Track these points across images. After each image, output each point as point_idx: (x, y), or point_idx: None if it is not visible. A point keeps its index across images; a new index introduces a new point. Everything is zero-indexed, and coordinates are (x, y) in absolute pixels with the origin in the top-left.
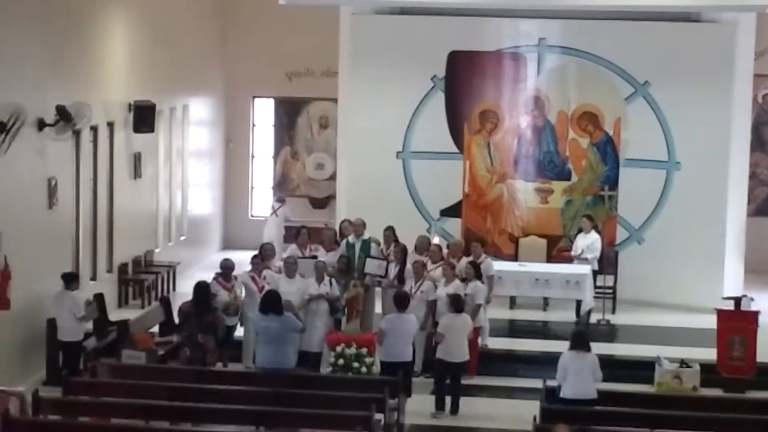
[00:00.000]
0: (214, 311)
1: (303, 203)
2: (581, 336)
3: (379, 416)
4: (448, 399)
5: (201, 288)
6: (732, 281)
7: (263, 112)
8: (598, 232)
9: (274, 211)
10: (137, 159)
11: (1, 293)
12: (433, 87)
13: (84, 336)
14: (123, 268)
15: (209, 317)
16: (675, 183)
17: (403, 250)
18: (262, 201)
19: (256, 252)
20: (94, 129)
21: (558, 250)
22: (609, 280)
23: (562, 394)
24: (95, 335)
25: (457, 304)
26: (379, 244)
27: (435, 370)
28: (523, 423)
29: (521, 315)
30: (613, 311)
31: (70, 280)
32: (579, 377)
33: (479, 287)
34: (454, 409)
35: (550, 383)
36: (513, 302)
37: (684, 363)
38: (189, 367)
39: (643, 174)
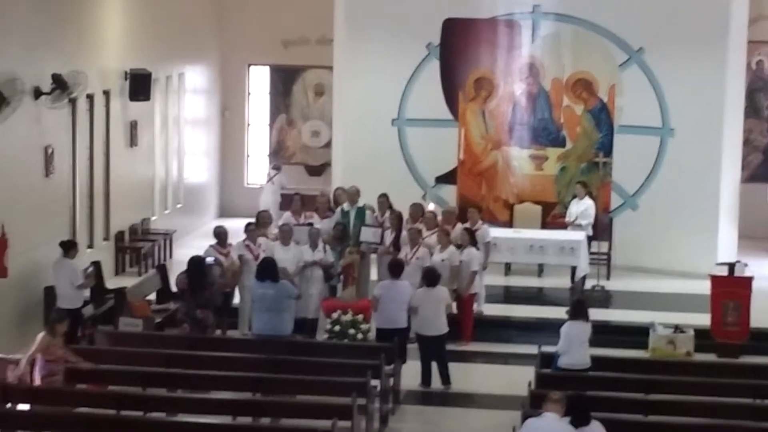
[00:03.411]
0: (210, 286)
1: (299, 171)
2: (582, 305)
3: (375, 382)
4: (436, 373)
5: (195, 263)
6: (726, 247)
7: (259, 80)
8: (593, 198)
9: (270, 179)
10: (133, 127)
11: None
12: (428, 54)
13: (83, 303)
14: (120, 236)
15: (206, 292)
16: (669, 149)
17: (399, 217)
18: (257, 169)
19: (251, 220)
20: (90, 97)
21: (552, 216)
22: (603, 246)
23: (560, 363)
24: (92, 303)
25: (430, 278)
26: (373, 211)
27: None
28: (518, 389)
29: (516, 281)
30: (608, 277)
31: (69, 248)
32: (579, 347)
33: (474, 254)
34: (445, 381)
35: (546, 349)
36: (508, 269)
37: (678, 328)
38: (183, 334)
39: (637, 140)
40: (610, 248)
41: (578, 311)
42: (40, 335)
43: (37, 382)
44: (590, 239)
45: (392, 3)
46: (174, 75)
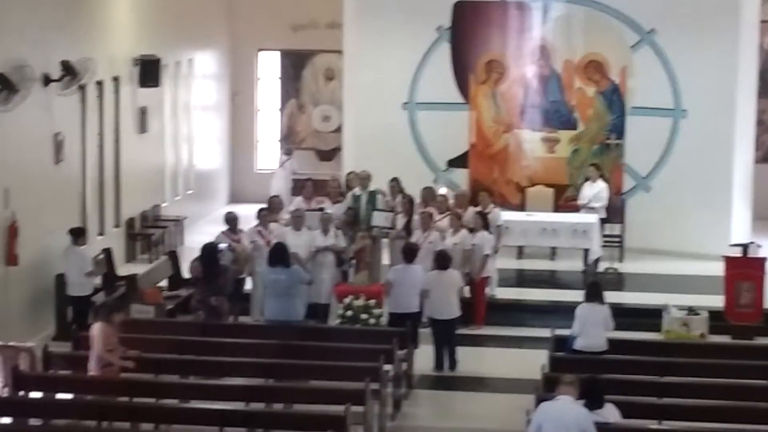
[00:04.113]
0: (224, 272)
1: (309, 156)
2: (597, 287)
3: (387, 367)
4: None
5: (209, 250)
6: (739, 228)
7: (268, 65)
8: (605, 180)
9: (282, 164)
10: (143, 113)
11: (9, 249)
12: (438, 37)
13: (93, 291)
14: (130, 222)
15: (220, 279)
16: (682, 131)
17: (410, 202)
18: (268, 154)
19: (263, 205)
20: (99, 84)
21: (565, 199)
22: (616, 229)
23: (575, 346)
24: (104, 290)
25: (442, 261)
26: (385, 195)
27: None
28: (532, 372)
29: (529, 264)
30: (621, 259)
31: (78, 235)
32: (594, 329)
33: (486, 238)
34: (452, 365)
35: (559, 332)
36: (520, 252)
37: (692, 310)
38: (197, 321)
39: (649, 122)
40: (622, 230)
41: (593, 293)
42: (97, 326)
43: (93, 372)
44: (603, 222)
45: None
46: (183, 61)
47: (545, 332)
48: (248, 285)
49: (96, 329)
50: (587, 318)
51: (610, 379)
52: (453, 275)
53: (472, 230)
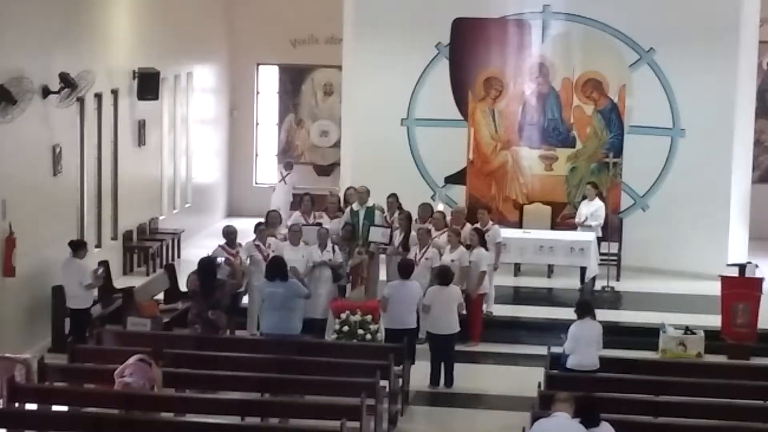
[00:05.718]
0: (221, 286)
1: (307, 170)
2: (587, 304)
3: (383, 383)
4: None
5: (206, 264)
6: (736, 248)
7: (267, 80)
8: (603, 199)
9: (283, 178)
10: (141, 126)
11: (6, 261)
12: (437, 54)
13: (92, 303)
14: (128, 235)
15: (217, 293)
16: (680, 150)
17: (408, 218)
18: (266, 168)
19: (260, 219)
20: (98, 96)
21: (562, 217)
22: (613, 247)
23: (568, 364)
24: (100, 302)
25: (443, 276)
26: (383, 211)
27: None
28: (528, 390)
29: (526, 282)
30: (618, 278)
31: (78, 247)
32: (586, 348)
33: (483, 254)
34: (448, 382)
35: (555, 350)
36: (517, 269)
37: (688, 330)
38: (194, 335)
39: (647, 141)
40: (620, 249)
41: (585, 311)
42: (158, 371)
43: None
44: (600, 240)
45: (401, 2)
46: (182, 74)
47: (541, 350)
48: (245, 299)
49: (157, 373)
50: (580, 336)
51: (605, 397)
52: (454, 291)
53: (469, 247)
